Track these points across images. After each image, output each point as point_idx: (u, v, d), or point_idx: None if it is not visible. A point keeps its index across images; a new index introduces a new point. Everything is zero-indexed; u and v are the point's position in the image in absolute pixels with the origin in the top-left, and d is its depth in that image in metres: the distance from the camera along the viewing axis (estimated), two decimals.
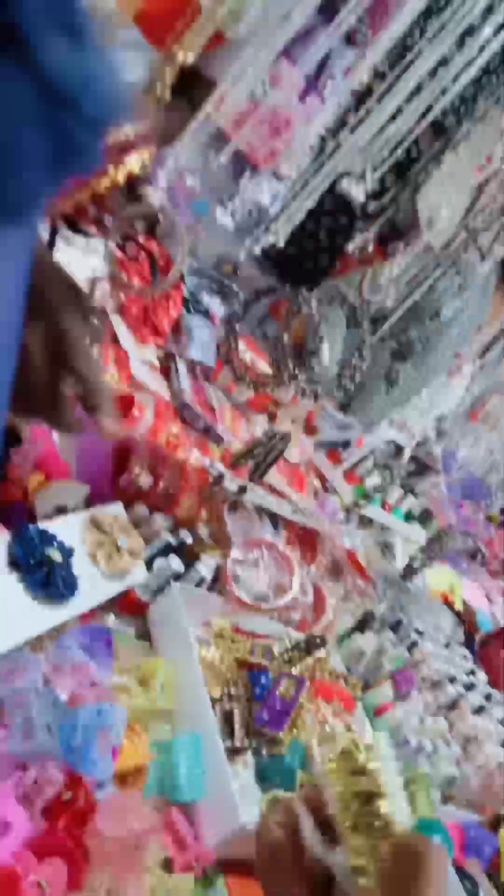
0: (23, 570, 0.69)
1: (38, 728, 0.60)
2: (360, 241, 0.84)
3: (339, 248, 0.96)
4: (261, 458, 0.94)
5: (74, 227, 1.32)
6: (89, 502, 0.94)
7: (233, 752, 0.77)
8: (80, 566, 0.78)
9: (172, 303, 1.39)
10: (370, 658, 1.21)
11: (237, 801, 0.67)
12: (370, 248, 0.83)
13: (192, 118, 1.01)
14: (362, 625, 1.23)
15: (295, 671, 0.97)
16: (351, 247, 0.86)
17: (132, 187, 1.18)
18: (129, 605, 0.88)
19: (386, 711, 1.10)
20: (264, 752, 0.81)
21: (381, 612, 1.38)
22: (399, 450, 1.79)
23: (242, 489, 0.99)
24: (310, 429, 1.83)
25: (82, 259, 1.27)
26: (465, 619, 1.77)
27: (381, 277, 0.85)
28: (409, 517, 1.82)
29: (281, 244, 0.81)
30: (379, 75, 1.16)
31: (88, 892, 0.56)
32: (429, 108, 0.97)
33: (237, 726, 0.79)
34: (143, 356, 1.31)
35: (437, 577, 2.16)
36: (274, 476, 1.44)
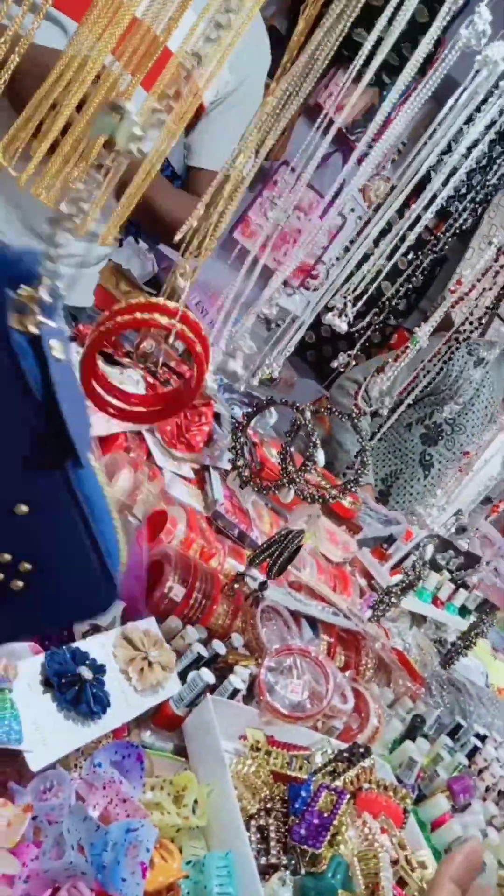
0: (55, 689, 0.73)
1: (69, 846, 0.62)
2: (342, 359, 0.90)
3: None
4: (276, 555, 0.97)
5: (109, 358, 1.46)
6: (126, 618, 0.99)
7: (268, 869, 0.76)
8: (113, 682, 0.82)
9: (204, 418, 1.49)
10: (423, 767, 1.16)
11: None
12: (352, 364, 0.90)
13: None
14: (412, 731, 1.19)
15: (337, 783, 0.95)
16: (335, 363, 0.93)
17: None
18: (164, 720, 0.90)
19: (442, 825, 1.05)
20: (303, 869, 0.79)
21: (435, 717, 1.33)
22: (445, 543, 1.78)
23: (263, 585, 1.01)
24: (352, 527, 1.85)
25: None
26: None
27: (374, 389, 0.91)
28: (464, 612, 1.77)
29: (276, 375, 0.89)
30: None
31: None
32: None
33: (272, 842, 0.78)
34: (178, 470, 1.40)
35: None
36: (312, 577, 1.46)
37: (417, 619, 1.71)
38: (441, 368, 1.00)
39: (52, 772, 0.69)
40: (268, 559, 0.98)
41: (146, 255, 2.28)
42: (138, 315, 0.58)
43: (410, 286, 2.84)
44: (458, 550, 1.74)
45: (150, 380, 1.44)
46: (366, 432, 1.12)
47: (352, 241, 1.28)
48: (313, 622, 1.26)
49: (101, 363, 1.32)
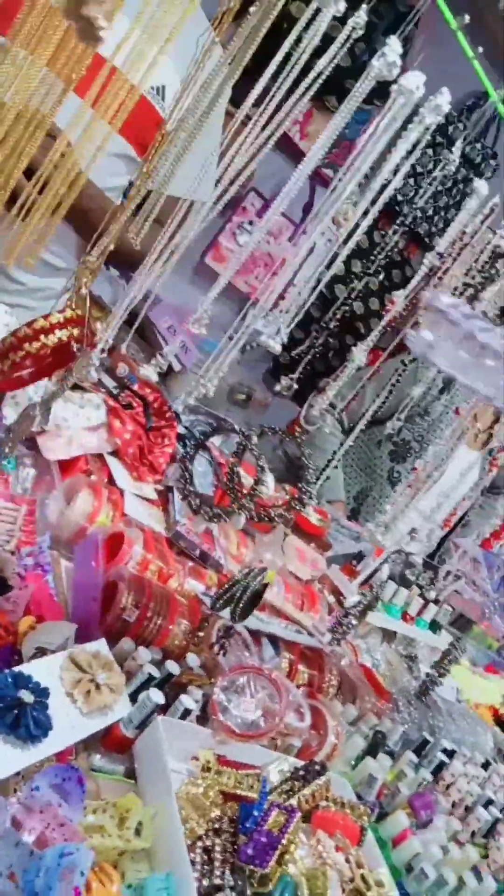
0: None
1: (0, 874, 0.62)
2: (285, 382, 0.92)
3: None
4: (238, 596, 0.98)
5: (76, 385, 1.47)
6: (80, 640, 0.99)
7: (212, 890, 0.75)
8: (58, 705, 0.82)
9: (168, 440, 1.50)
10: (386, 784, 1.16)
11: None
12: (293, 389, 0.91)
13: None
14: (374, 748, 1.19)
15: (292, 801, 0.95)
16: (277, 387, 0.94)
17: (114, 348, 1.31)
18: (114, 742, 0.90)
19: (403, 841, 1.04)
20: (249, 890, 0.78)
21: (401, 733, 1.33)
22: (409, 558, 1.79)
23: (228, 631, 1.02)
24: (322, 544, 1.86)
25: (80, 412, 1.40)
26: None
27: (314, 408, 0.93)
28: (434, 626, 1.77)
29: (211, 394, 0.90)
30: None
31: None
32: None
33: (217, 863, 0.78)
34: (139, 492, 1.40)
35: (486, 690, 2.05)
36: (279, 595, 1.46)
37: (388, 635, 1.71)
38: (391, 390, 1.03)
39: None
40: (230, 602, 0.98)
41: (116, 281, 2.31)
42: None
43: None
44: (428, 565, 1.74)
45: (111, 403, 1.45)
46: (308, 452, 1.13)
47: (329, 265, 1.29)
48: (274, 640, 1.26)
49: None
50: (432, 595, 1.62)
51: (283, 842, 0.83)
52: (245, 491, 0.94)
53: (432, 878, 0.98)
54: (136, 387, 1.55)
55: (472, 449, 2.46)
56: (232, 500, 0.95)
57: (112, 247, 0.92)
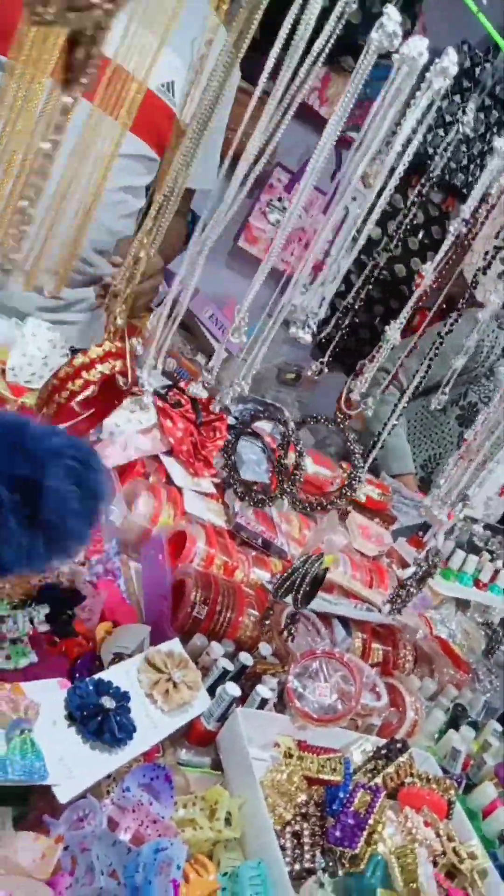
0: (78, 722, 0.77)
1: (98, 872, 0.66)
2: (315, 367, 0.91)
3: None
4: (298, 583, 0.99)
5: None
6: (154, 640, 1.02)
7: (304, 874, 0.78)
8: (138, 707, 0.85)
9: (219, 433, 1.51)
10: (471, 755, 1.16)
11: None
12: (325, 371, 0.90)
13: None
14: (455, 720, 1.19)
15: (377, 781, 0.96)
16: (308, 373, 0.93)
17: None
18: (197, 736, 0.93)
19: (492, 813, 1.04)
20: (341, 871, 0.80)
21: (483, 703, 1.32)
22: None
23: (293, 617, 1.03)
24: (386, 518, 1.84)
25: (131, 416, 1.43)
26: None
27: (354, 392, 0.91)
28: None
29: (246, 393, 0.90)
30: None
31: None
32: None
33: (307, 847, 0.80)
34: (198, 487, 1.43)
35: None
36: (346, 574, 1.47)
37: (462, 604, 1.69)
38: (429, 365, 0.99)
39: (83, 801, 0.73)
40: (290, 590, 1.00)
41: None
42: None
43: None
44: (497, 530, 1.71)
45: (160, 403, 1.48)
46: (354, 435, 1.11)
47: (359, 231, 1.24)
48: (345, 621, 1.27)
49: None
50: (502, 562, 1.59)
51: (370, 822, 0.84)
52: (289, 473, 0.93)
53: None
54: (183, 384, 1.57)
55: None
56: (280, 484, 0.95)
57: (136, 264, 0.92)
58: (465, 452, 1.14)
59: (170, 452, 1.46)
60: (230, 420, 1.61)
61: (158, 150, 1.44)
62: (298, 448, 0.93)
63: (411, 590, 1.07)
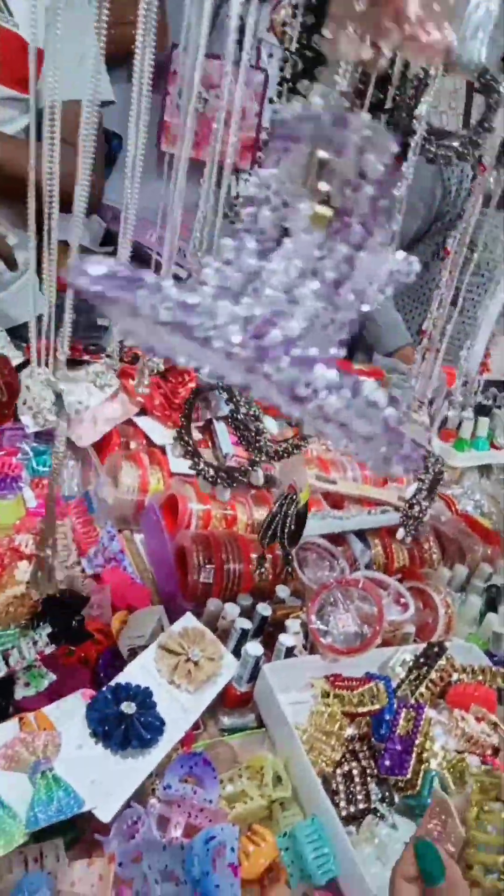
0: (102, 738, 0.77)
1: (153, 882, 0.67)
2: None
3: None
4: (280, 526, 0.95)
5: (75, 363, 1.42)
6: (171, 615, 1.01)
7: (359, 814, 0.79)
8: (163, 695, 0.85)
9: (188, 375, 1.44)
10: None
11: (361, 872, 0.70)
12: None
13: None
14: (492, 603, 1.17)
15: (421, 690, 0.96)
16: None
17: None
18: (234, 701, 0.94)
19: None
20: (397, 797, 0.82)
21: None
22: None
23: (287, 559, 1.00)
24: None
25: (91, 388, 1.36)
26: None
27: None
28: None
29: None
30: None
31: None
32: None
33: (359, 787, 0.81)
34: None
35: None
36: (356, 481, 1.42)
37: (484, 470, 1.64)
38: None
39: (128, 811, 0.74)
40: (276, 537, 0.96)
41: (89, 220, 2.16)
42: None
43: None
44: (500, 385, 1.62)
45: (121, 365, 1.40)
46: None
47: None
48: (361, 533, 1.24)
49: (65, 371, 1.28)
50: None
51: (417, 742, 0.84)
52: (253, 437, 0.88)
53: None
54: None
55: None
56: (247, 450, 0.89)
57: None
58: (428, 345, 1.04)
59: (143, 412, 1.40)
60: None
61: (21, 86, 1.28)
62: (252, 411, 0.86)
63: (423, 505, 1.02)
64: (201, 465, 0.89)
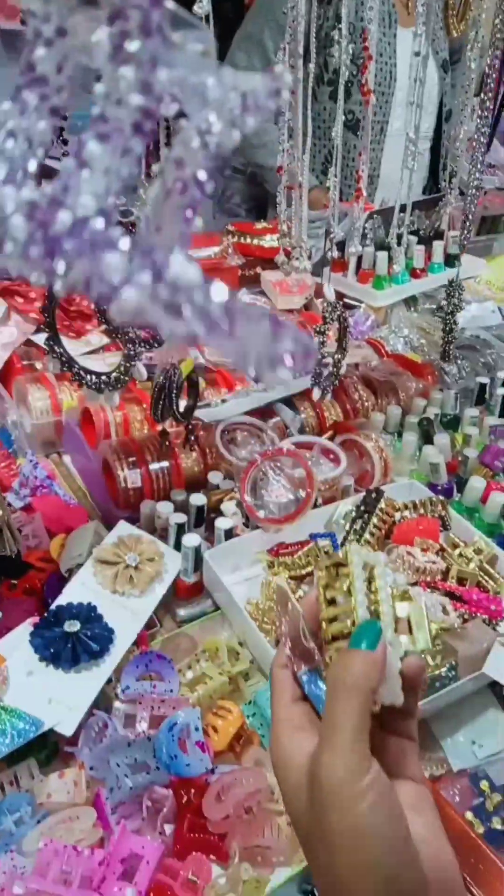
0: (51, 661, 0.78)
1: (123, 776, 0.70)
2: None
3: None
4: (169, 397, 0.91)
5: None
6: (111, 521, 1.00)
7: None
8: (109, 606, 0.85)
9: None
10: (455, 455, 1.15)
11: None
12: None
13: None
14: (426, 436, 1.16)
15: (366, 536, 0.97)
16: None
17: None
18: (185, 592, 0.94)
19: (487, 500, 1.05)
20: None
21: (453, 397, 1.28)
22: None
23: (189, 429, 0.96)
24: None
25: None
26: None
27: None
28: (451, 261, 1.60)
29: None
30: None
31: (231, 864, 0.66)
32: None
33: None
34: (88, 348, 1.31)
35: None
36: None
37: (410, 302, 1.58)
38: None
39: (92, 719, 0.75)
40: (168, 411, 0.92)
41: None
42: None
43: None
44: (421, 205, 1.52)
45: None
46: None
47: None
48: (289, 400, 1.21)
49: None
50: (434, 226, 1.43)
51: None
52: (122, 329, 0.81)
53: None
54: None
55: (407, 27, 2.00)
56: (118, 342, 0.83)
57: None
58: (290, 181, 0.96)
59: (39, 329, 1.32)
60: None
61: None
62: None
63: (336, 358, 0.98)
64: (81, 373, 0.84)
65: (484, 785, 0.75)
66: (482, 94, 1.07)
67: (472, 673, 0.80)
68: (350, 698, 0.37)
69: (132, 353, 0.83)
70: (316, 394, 1.02)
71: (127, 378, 0.85)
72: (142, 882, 0.64)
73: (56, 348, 0.83)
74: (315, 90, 1.95)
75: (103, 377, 0.85)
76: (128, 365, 0.84)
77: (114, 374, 0.85)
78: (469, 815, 0.73)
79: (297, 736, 0.40)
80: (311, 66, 0.91)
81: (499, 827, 0.72)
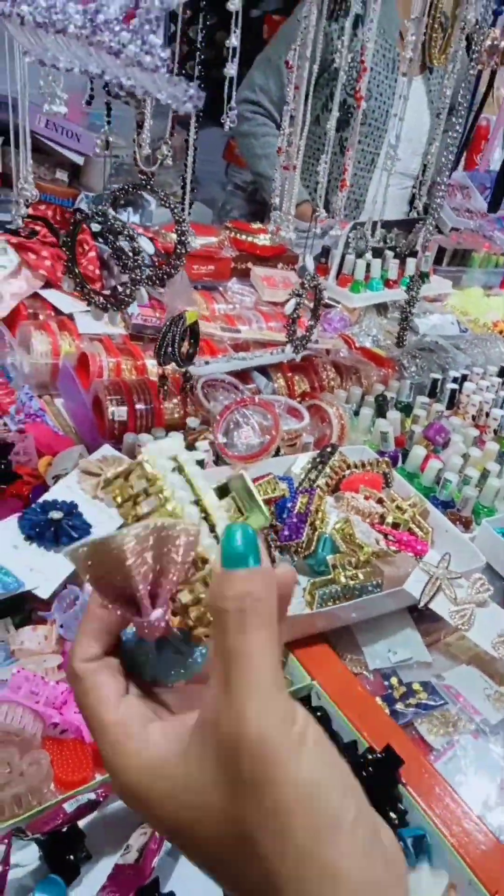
0: (35, 539, 0.89)
1: None
2: None
3: None
4: (172, 343, 1.05)
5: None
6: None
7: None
8: (90, 512, 0.97)
9: (86, 245, 1.48)
10: (404, 431, 1.30)
11: None
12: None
13: None
14: (380, 410, 1.31)
15: (318, 483, 1.11)
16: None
17: None
18: None
19: (425, 467, 1.20)
20: (295, 559, 0.97)
21: (409, 386, 1.44)
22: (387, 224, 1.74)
23: (186, 375, 1.11)
24: (290, 260, 1.85)
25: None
26: None
27: None
28: (423, 277, 1.78)
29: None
30: None
31: None
32: None
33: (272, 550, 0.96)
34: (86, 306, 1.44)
35: (498, 307, 2.09)
36: (260, 329, 1.52)
37: (381, 309, 1.76)
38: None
39: (65, 591, 0.87)
40: (171, 357, 1.06)
41: None
42: None
43: None
44: (400, 225, 1.70)
45: (14, 240, 1.43)
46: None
47: None
48: (264, 370, 1.35)
49: None
50: (410, 246, 1.61)
51: (311, 511, 0.99)
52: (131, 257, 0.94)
53: (455, 482, 1.15)
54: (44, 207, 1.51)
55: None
56: (125, 271, 0.97)
57: None
58: (286, 161, 1.12)
59: (48, 285, 1.46)
60: (94, 227, 1.56)
61: None
62: (127, 231, 0.93)
63: (310, 324, 1.13)
64: (91, 294, 0.98)
65: (393, 680, 0.89)
66: (453, 117, 1.25)
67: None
68: (257, 629, 0.29)
69: (136, 277, 0.96)
70: (289, 350, 1.17)
71: (130, 300, 0.98)
72: None
73: (74, 269, 0.97)
74: (319, 117, 2.15)
75: (111, 298, 0.98)
76: (133, 287, 0.97)
77: (120, 296, 0.98)
78: (378, 700, 0.86)
79: (152, 728, 0.32)
80: (315, 66, 1.07)
81: (399, 709, 0.85)
